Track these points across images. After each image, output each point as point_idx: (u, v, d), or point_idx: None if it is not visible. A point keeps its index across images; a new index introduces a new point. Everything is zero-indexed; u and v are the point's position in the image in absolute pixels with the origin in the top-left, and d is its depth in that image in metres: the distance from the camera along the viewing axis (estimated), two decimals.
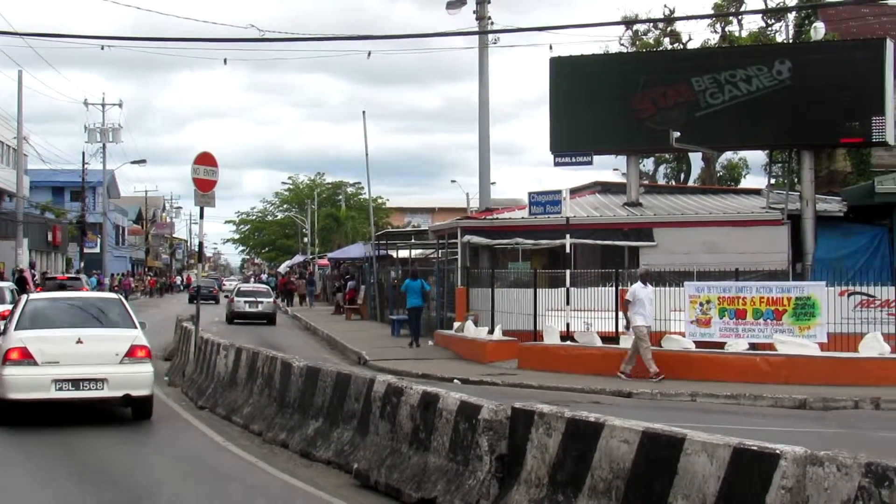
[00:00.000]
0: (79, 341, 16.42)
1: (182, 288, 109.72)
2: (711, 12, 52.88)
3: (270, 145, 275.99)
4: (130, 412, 17.07)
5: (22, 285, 40.55)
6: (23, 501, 11.20)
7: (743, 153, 64.16)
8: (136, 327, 17.35)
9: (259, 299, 48.06)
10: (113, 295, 21.35)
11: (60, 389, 16.09)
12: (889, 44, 30.70)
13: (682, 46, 54.46)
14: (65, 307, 18.16)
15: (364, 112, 60.23)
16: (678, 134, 31.40)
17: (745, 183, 66.68)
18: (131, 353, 16.63)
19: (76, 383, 16.12)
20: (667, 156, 59.74)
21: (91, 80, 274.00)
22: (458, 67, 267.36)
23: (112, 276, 77.26)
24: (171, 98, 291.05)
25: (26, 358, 16.05)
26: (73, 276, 51.83)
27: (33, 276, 52.55)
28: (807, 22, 42.79)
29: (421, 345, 31.82)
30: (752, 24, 54.42)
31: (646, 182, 46.86)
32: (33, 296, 20.18)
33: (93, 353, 16.35)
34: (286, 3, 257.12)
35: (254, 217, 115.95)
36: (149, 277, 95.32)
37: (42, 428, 16.19)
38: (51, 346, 16.34)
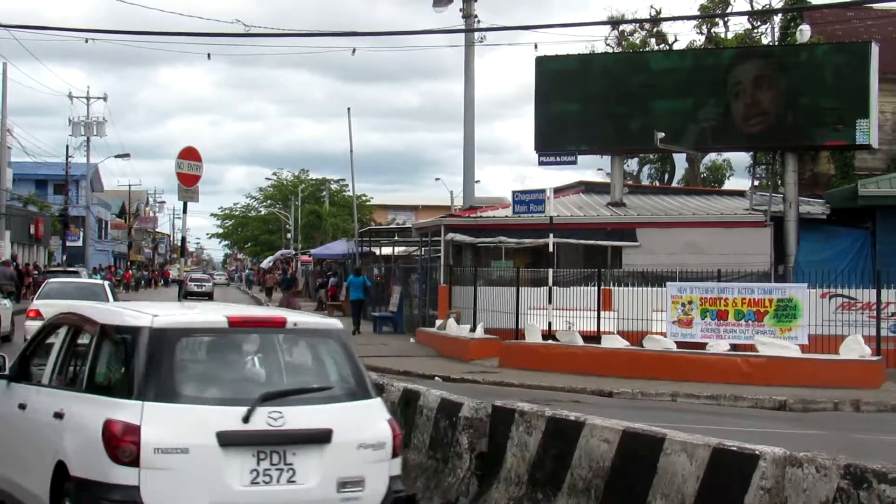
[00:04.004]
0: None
1: (164, 282, 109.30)
2: (698, 13, 53.03)
3: (253, 141, 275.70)
4: None
5: (21, 278, 48.85)
6: None
7: (727, 155, 64.50)
8: (108, 300, 24.85)
9: (203, 283, 74.62)
10: (100, 281, 35.43)
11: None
12: (874, 47, 30.77)
13: (667, 47, 54.60)
14: (68, 287, 27.74)
15: (349, 109, 59.98)
16: (662, 134, 31.43)
17: (729, 184, 67.13)
18: None
19: None
20: (651, 156, 59.90)
21: (72, 73, 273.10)
22: (441, 65, 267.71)
23: (97, 269, 76.88)
24: (152, 92, 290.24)
25: (38, 316, 24.14)
26: (74, 269, 54.90)
27: (17, 266, 52.55)
28: (792, 25, 42.84)
29: (363, 331, 35.91)
30: (738, 26, 54.61)
31: (630, 182, 46.95)
32: (51, 279, 31.97)
33: None
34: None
35: (237, 212, 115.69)
36: (124, 271, 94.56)
37: None
38: (53, 309, 24.64)
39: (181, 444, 7.27)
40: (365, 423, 8.01)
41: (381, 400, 8.58)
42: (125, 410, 7.36)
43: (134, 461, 7.19)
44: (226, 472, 7.36)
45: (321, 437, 7.68)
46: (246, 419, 7.45)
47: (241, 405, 7.52)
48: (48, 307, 24.03)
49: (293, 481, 7.55)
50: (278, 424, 7.53)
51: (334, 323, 8.79)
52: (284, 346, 8.43)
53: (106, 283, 33.63)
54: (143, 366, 7.54)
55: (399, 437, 8.22)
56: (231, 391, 7.82)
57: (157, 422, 7.30)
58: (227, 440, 7.37)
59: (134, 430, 7.23)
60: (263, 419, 7.50)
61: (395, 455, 8.14)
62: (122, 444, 7.22)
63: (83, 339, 8.70)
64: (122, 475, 7.21)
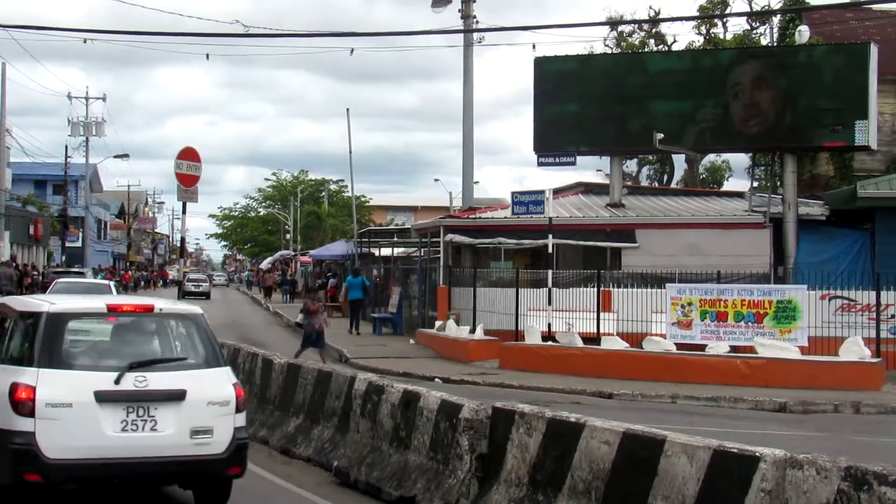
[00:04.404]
0: None
1: (163, 283, 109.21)
2: (696, 14, 53.07)
3: (251, 141, 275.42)
4: None
5: (21, 278, 48.30)
6: None
7: (726, 156, 64.51)
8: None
9: (200, 283, 75.67)
10: (105, 281, 38.85)
11: None
12: (873, 48, 30.76)
13: (666, 48, 54.62)
14: (76, 287, 30.37)
15: (348, 110, 60.05)
16: (661, 135, 31.43)
17: (728, 185, 67.09)
18: None
19: None
20: (650, 157, 59.90)
21: (71, 73, 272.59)
22: (440, 66, 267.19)
23: (97, 269, 76.81)
24: (151, 93, 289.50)
25: None
26: (79, 270, 57.50)
27: (17, 266, 52.55)
28: (791, 25, 42.86)
29: (362, 332, 36.11)
30: (737, 26, 54.69)
31: (629, 183, 46.95)
32: (60, 280, 34.58)
33: None
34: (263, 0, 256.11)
35: (236, 213, 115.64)
36: (123, 272, 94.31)
37: None
38: None
39: (66, 400, 9.46)
40: (214, 386, 10.13)
41: (230, 368, 10.71)
42: (26, 375, 9.57)
43: (31, 413, 9.37)
44: (101, 421, 9.52)
45: (177, 396, 9.80)
46: (117, 381, 9.63)
47: (115, 371, 9.71)
48: None
49: (155, 430, 9.70)
50: (143, 386, 9.70)
51: (195, 309, 10.89)
52: (153, 326, 10.63)
53: (111, 282, 36.58)
54: (40, 341, 9.79)
55: (242, 396, 10.25)
56: (107, 360, 10.04)
57: (49, 383, 9.50)
58: (103, 397, 9.55)
59: (31, 390, 9.41)
60: (132, 382, 9.67)
61: (238, 410, 10.16)
62: (22, 400, 9.38)
63: (7, 324, 10.72)
64: (23, 424, 9.37)
